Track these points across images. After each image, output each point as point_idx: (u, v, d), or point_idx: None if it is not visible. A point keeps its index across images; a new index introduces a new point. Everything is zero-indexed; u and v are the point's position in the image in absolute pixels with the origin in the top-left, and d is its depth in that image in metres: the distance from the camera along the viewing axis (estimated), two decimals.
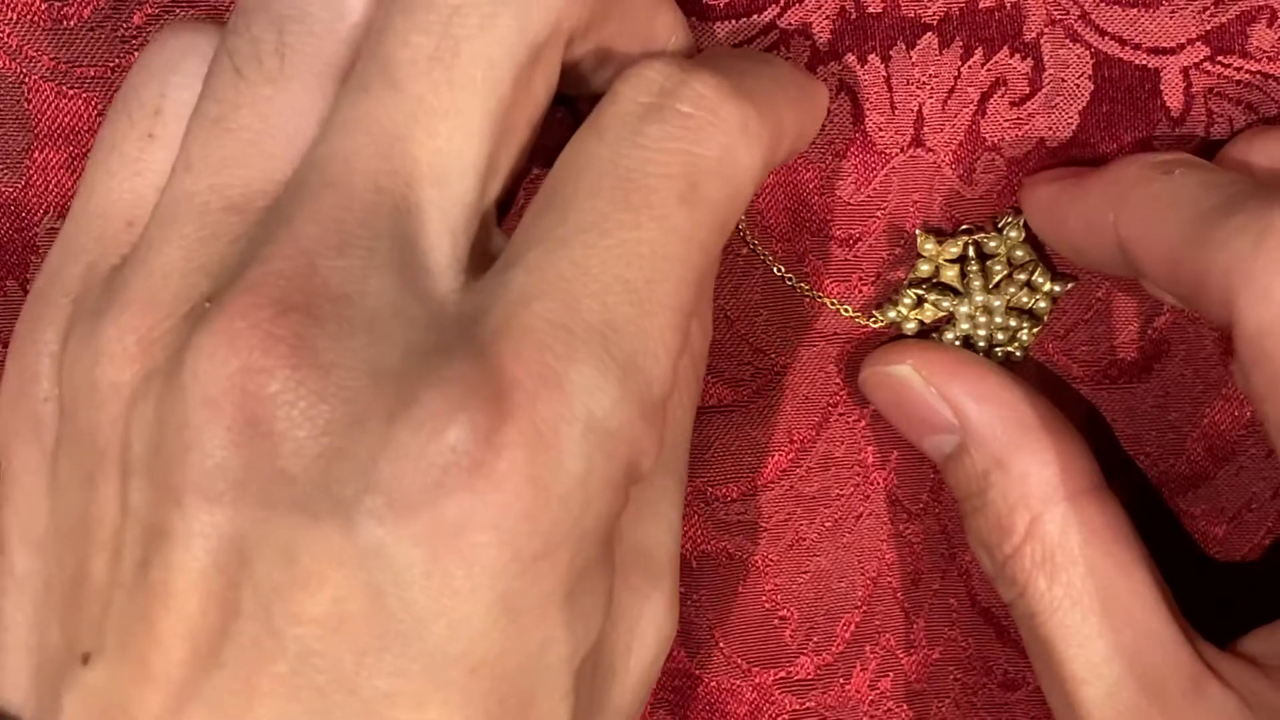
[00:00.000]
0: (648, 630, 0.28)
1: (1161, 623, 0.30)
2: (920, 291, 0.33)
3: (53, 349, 0.27)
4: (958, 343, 0.33)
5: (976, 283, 0.33)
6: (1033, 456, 0.31)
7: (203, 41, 0.28)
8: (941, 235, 0.33)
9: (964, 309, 0.33)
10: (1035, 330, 0.33)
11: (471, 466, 0.23)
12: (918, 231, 0.33)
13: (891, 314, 0.33)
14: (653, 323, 0.25)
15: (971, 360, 0.32)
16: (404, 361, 0.24)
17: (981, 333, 0.33)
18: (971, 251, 0.33)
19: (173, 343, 0.25)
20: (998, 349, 0.33)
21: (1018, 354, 0.33)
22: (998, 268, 0.33)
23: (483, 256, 0.26)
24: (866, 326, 0.34)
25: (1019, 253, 0.33)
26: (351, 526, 0.23)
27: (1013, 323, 0.33)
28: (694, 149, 0.26)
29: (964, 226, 0.33)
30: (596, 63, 0.28)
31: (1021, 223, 0.33)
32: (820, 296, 0.34)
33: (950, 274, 0.33)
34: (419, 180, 0.25)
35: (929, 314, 0.33)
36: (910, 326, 0.33)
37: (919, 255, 0.33)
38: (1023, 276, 0.33)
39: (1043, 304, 0.33)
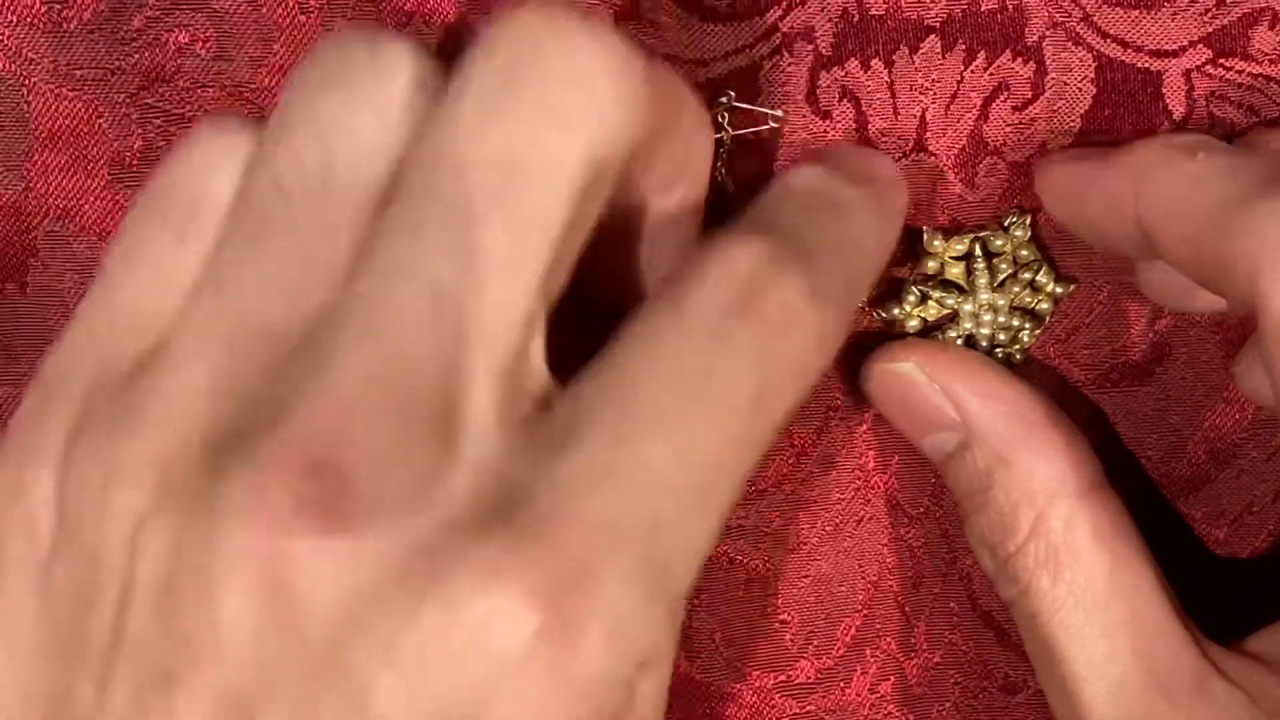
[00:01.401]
0: None
1: (1166, 621, 0.30)
2: (925, 288, 0.33)
3: (60, 449, 0.26)
4: (960, 341, 0.33)
5: (982, 280, 0.33)
6: (1037, 453, 0.31)
7: (242, 144, 0.27)
8: (948, 233, 0.33)
9: (968, 307, 0.33)
10: (1037, 331, 0.33)
11: (495, 653, 0.23)
12: (924, 228, 0.33)
13: (895, 311, 0.33)
14: (695, 524, 0.24)
15: (974, 358, 0.32)
16: (438, 534, 0.23)
17: (985, 331, 0.33)
18: (978, 249, 0.33)
19: (194, 476, 0.24)
20: (999, 349, 0.33)
21: (1018, 355, 0.33)
22: (1003, 266, 0.33)
23: (524, 395, 0.25)
24: (866, 330, 0.34)
25: (1024, 252, 0.33)
26: (366, 700, 0.23)
27: (1015, 322, 0.33)
28: (772, 358, 0.25)
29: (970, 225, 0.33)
30: (639, 177, 0.28)
31: (1027, 222, 0.33)
32: None
33: (955, 271, 0.33)
34: (469, 338, 0.24)
35: (933, 312, 0.33)
36: (913, 324, 0.33)
37: (925, 252, 0.33)
38: (1027, 276, 0.33)
39: (1045, 305, 0.33)
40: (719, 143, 0.33)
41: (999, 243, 0.33)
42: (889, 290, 0.33)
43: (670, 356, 0.24)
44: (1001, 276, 0.33)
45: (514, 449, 0.24)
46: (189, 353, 0.25)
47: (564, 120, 0.24)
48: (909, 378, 0.32)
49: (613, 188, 0.26)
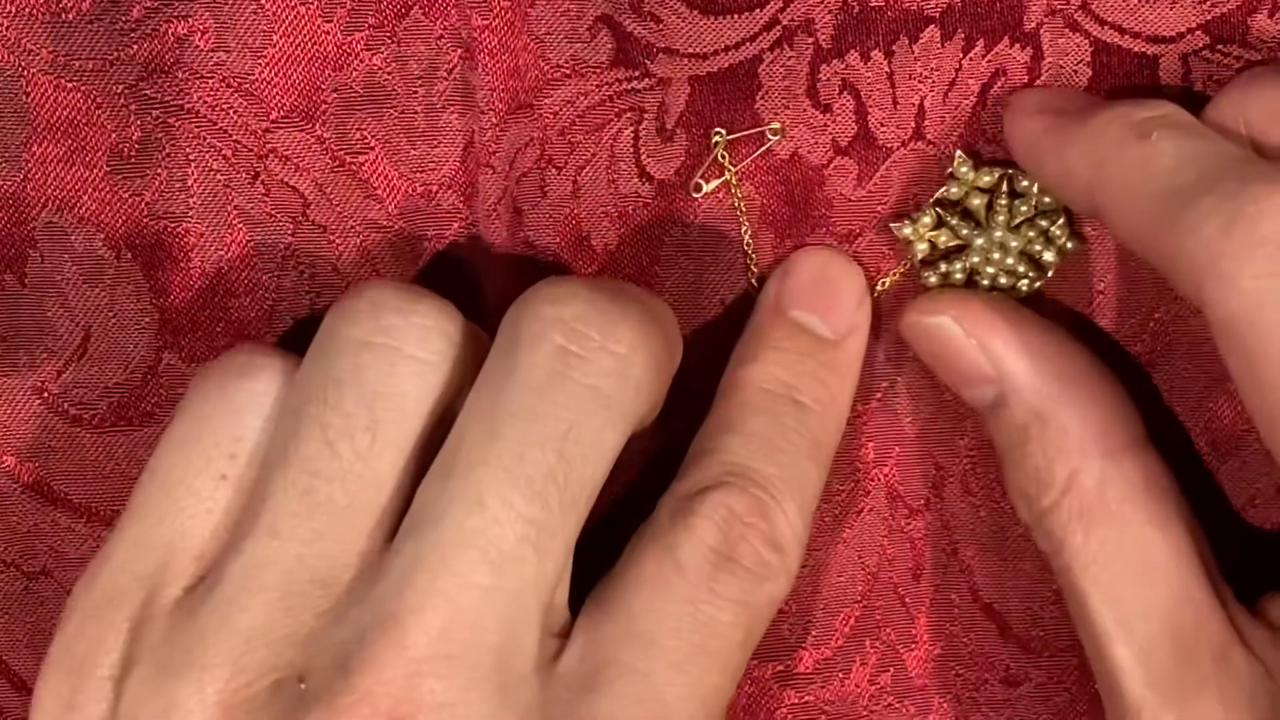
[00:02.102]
0: None
1: (1196, 584, 0.30)
2: (942, 212, 0.33)
3: (113, 677, 0.28)
4: (961, 275, 0.33)
5: (1001, 217, 0.33)
6: (1072, 410, 0.31)
7: (278, 383, 0.30)
8: (978, 162, 0.33)
9: (980, 241, 0.33)
10: (1037, 283, 0.33)
11: None
12: (958, 152, 0.32)
13: (907, 230, 0.33)
14: None
15: (1013, 311, 0.32)
16: None
17: (990, 270, 0.33)
18: (1004, 185, 0.33)
19: (259, 715, 0.27)
20: (995, 292, 0.33)
21: None
22: (1024, 208, 0.33)
23: (552, 635, 0.29)
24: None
25: (1047, 199, 0.32)
26: None
27: (1021, 268, 0.33)
28: (753, 601, 0.29)
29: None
30: None
31: None
32: None
33: (976, 203, 0.33)
34: (525, 598, 0.28)
35: (944, 238, 0.33)
36: (922, 247, 0.33)
37: (952, 177, 0.33)
38: (1044, 223, 0.32)
39: (1051, 256, 0.33)
40: (715, 142, 0.33)
41: (1025, 183, 0.32)
42: (895, 240, 0.33)
43: (674, 604, 0.28)
44: (1020, 218, 0.33)
45: (549, 688, 0.28)
46: (246, 596, 0.28)
47: (608, 406, 0.28)
48: (946, 331, 0.32)
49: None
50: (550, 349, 0.28)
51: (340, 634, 0.27)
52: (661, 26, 0.32)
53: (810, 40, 0.32)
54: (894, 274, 0.33)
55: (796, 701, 0.35)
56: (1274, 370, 0.26)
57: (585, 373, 0.28)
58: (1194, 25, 0.32)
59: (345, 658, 0.27)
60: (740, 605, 0.29)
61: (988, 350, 0.31)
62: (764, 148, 0.33)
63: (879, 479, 0.35)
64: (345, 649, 0.27)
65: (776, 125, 0.33)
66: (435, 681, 0.27)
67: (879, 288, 0.34)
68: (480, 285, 0.33)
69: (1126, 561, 0.30)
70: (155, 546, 0.29)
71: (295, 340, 0.33)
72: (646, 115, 0.33)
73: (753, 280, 0.34)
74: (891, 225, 0.33)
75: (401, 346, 0.29)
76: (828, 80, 0.32)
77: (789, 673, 0.35)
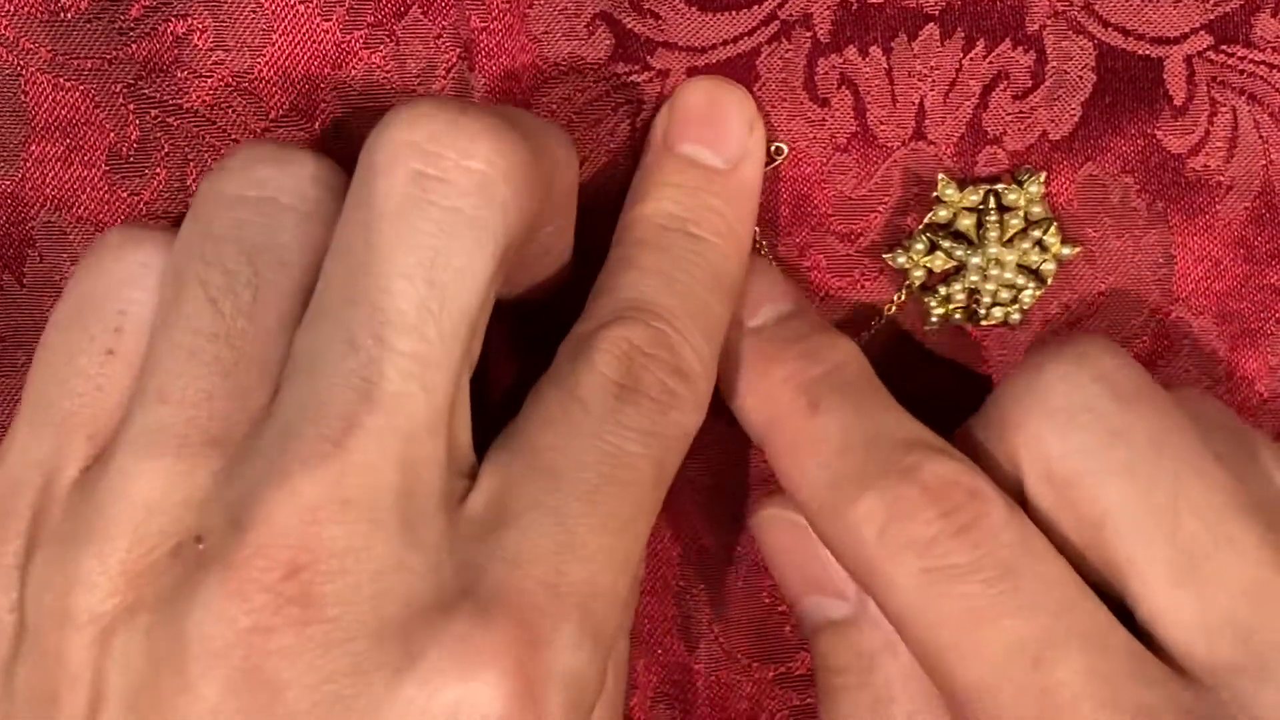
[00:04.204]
0: None
1: None
2: (934, 237, 0.33)
3: (18, 561, 0.28)
4: (963, 295, 0.33)
5: (993, 234, 0.33)
6: None
7: (158, 255, 0.29)
8: (962, 183, 0.33)
9: (976, 260, 0.33)
10: (1038, 293, 0.33)
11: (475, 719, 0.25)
12: (940, 176, 0.32)
13: (902, 259, 0.33)
14: (620, 582, 0.27)
15: None
16: (406, 615, 0.26)
17: (989, 287, 0.33)
18: (991, 202, 0.33)
19: (162, 580, 0.26)
20: (999, 308, 0.33)
21: (1016, 316, 0.33)
22: (1014, 221, 0.33)
23: (457, 475, 0.28)
24: (865, 322, 0.34)
25: (1036, 209, 0.32)
26: None
27: (1019, 280, 0.33)
28: (661, 430, 0.28)
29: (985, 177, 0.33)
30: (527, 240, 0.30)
31: (1042, 178, 0.32)
32: None
33: (966, 223, 0.33)
34: (417, 435, 0.26)
35: (940, 262, 0.33)
36: (918, 274, 0.33)
37: (938, 200, 0.33)
38: (1036, 234, 0.33)
39: (1050, 265, 0.33)
40: None
41: (1012, 197, 0.33)
42: (896, 239, 0.33)
43: (581, 439, 0.28)
44: (1012, 233, 0.33)
45: (457, 528, 0.27)
46: (141, 464, 0.27)
47: (473, 227, 0.27)
48: (807, 532, 0.31)
49: (510, 262, 0.28)
50: (405, 174, 0.27)
51: (233, 492, 0.26)
52: (661, 23, 0.32)
53: (808, 34, 0.32)
54: (894, 302, 0.34)
55: (798, 702, 0.35)
56: (950, 655, 0.27)
57: (444, 195, 0.27)
58: (1197, 25, 0.32)
59: (239, 514, 0.26)
60: (647, 435, 0.28)
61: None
62: (768, 165, 0.33)
63: None
64: (239, 505, 0.26)
65: (782, 146, 0.33)
66: (334, 528, 0.26)
67: (878, 320, 0.34)
68: None
69: None
70: (48, 430, 0.28)
71: None
72: (644, 107, 0.32)
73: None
74: (885, 255, 0.33)
75: (278, 198, 0.28)
76: (825, 75, 0.32)
77: (790, 675, 0.35)
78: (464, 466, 0.28)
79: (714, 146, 0.31)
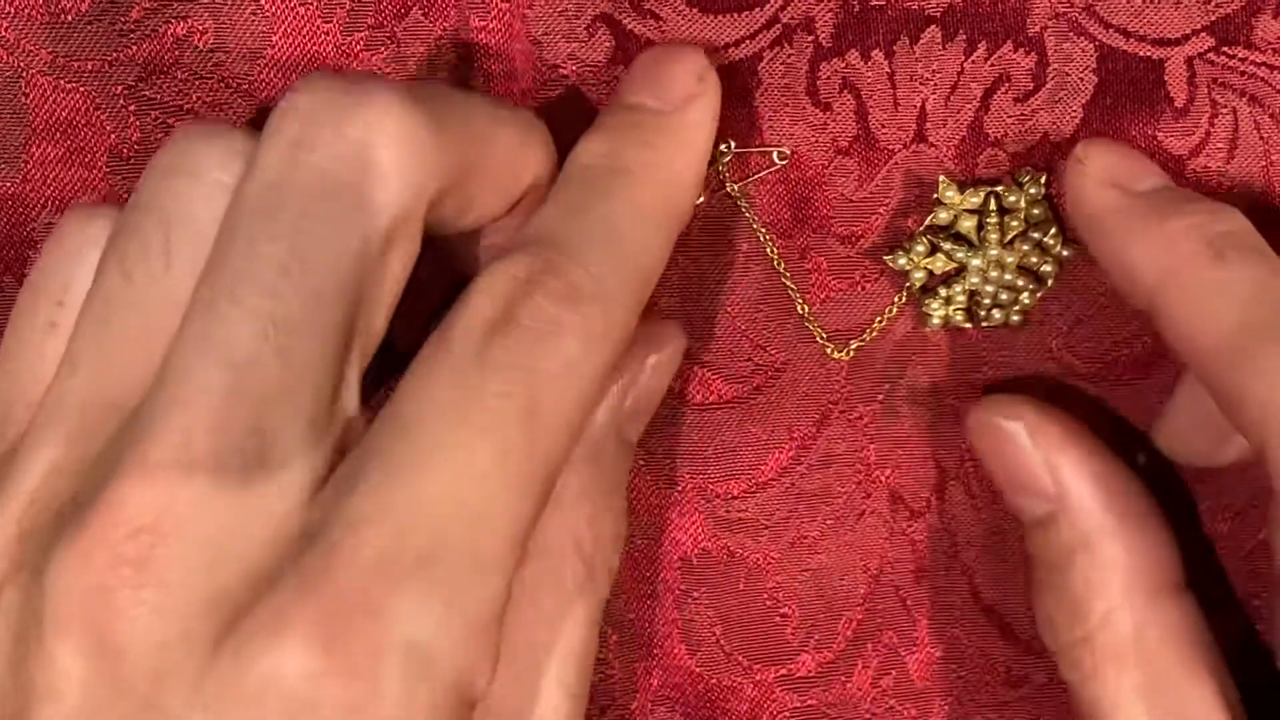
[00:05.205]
0: None
1: None
2: (935, 239, 0.33)
3: None
4: (963, 297, 0.33)
5: (993, 236, 0.33)
6: (1122, 544, 0.31)
7: (103, 231, 0.29)
8: (963, 184, 0.33)
9: (976, 262, 0.33)
10: (1039, 294, 0.33)
11: (289, 694, 0.24)
12: (941, 178, 0.32)
13: (902, 261, 0.33)
14: (485, 541, 0.25)
15: (1083, 434, 0.32)
16: (239, 583, 0.25)
17: (989, 289, 0.33)
18: (992, 204, 0.33)
19: (43, 539, 0.26)
20: (999, 309, 0.33)
21: (1017, 317, 0.33)
22: (1014, 223, 0.33)
23: (331, 440, 0.27)
24: (866, 324, 0.34)
25: (1036, 210, 0.32)
26: None
27: (1020, 282, 0.33)
28: (537, 364, 0.26)
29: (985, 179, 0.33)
30: (459, 211, 0.29)
31: (1042, 180, 0.32)
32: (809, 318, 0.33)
33: (967, 225, 0.33)
34: (272, 401, 0.26)
35: (940, 264, 0.33)
36: (919, 276, 0.33)
37: (938, 202, 0.33)
38: (1037, 235, 0.33)
39: (1050, 267, 0.33)
40: (720, 153, 0.33)
41: (1012, 199, 0.32)
42: (897, 240, 0.33)
43: (437, 384, 0.26)
44: (1012, 234, 0.33)
45: (320, 493, 0.26)
46: (46, 431, 0.27)
47: (342, 193, 0.26)
48: (1014, 437, 0.32)
49: (416, 238, 0.27)
50: (283, 141, 0.27)
51: (112, 453, 0.26)
52: (662, 24, 0.32)
53: (810, 38, 0.32)
54: (895, 304, 0.34)
55: (799, 705, 0.35)
56: None
57: (315, 161, 0.26)
58: (1198, 26, 0.32)
59: (106, 475, 0.26)
60: (515, 370, 0.26)
61: (1052, 467, 0.31)
62: (769, 169, 0.33)
63: (881, 481, 0.35)
64: (105, 469, 0.26)
65: (785, 150, 0.33)
66: (179, 489, 0.25)
67: (879, 321, 0.34)
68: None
69: (1154, 707, 0.30)
70: None
71: None
72: None
73: (784, 279, 0.34)
74: (885, 258, 0.33)
75: (202, 171, 0.28)
76: (828, 79, 0.32)
77: (791, 676, 0.35)
78: (347, 434, 0.27)
79: (656, 95, 0.31)
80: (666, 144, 0.30)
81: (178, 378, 0.26)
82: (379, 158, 0.27)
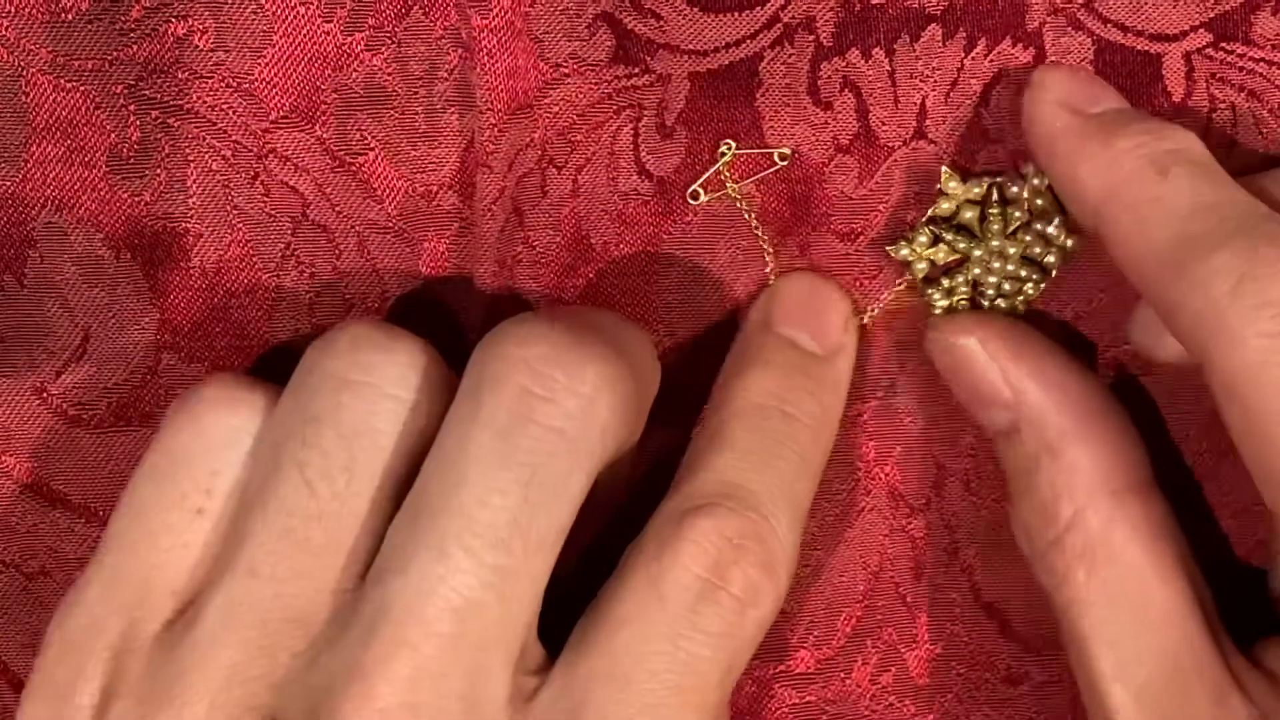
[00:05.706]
0: None
1: (1196, 630, 0.30)
2: (937, 230, 0.33)
3: (93, 702, 0.29)
4: (966, 288, 0.33)
5: (995, 226, 0.32)
6: (1084, 447, 0.31)
7: (254, 419, 0.30)
8: (966, 175, 0.33)
9: (978, 253, 0.33)
10: (1042, 285, 0.33)
11: None
12: (944, 168, 0.32)
13: (904, 252, 0.33)
14: None
15: (1037, 341, 0.32)
16: None
17: (992, 280, 0.33)
18: (994, 195, 0.33)
19: None
20: (1003, 300, 0.33)
21: (1021, 307, 0.33)
22: (1017, 214, 0.32)
23: (526, 675, 0.29)
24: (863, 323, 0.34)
25: (1040, 201, 0.32)
26: None
27: (1023, 273, 0.33)
28: (740, 633, 0.29)
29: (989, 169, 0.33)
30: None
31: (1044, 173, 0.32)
32: None
33: (969, 216, 0.33)
34: (490, 644, 0.28)
35: (942, 254, 0.33)
36: (921, 266, 0.33)
37: (941, 193, 0.33)
38: (1040, 226, 0.32)
39: (1053, 258, 0.33)
40: (720, 153, 0.33)
41: (1015, 190, 0.32)
42: (900, 230, 0.33)
43: (655, 645, 0.28)
44: (1014, 225, 0.33)
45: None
46: (224, 634, 0.28)
47: (573, 449, 0.28)
48: (968, 353, 0.32)
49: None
50: (513, 391, 0.28)
51: (313, 679, 0.28)
52: (662, 24, 0.32)
53: (811, 38, 0.32)
54: (895, 291, 0.33)
55: (798, 701, 0.35)
56: (1275, 427, 0.26)
57: (549, 415, 0.28)
58: (1197, 23, 0.32)
59: (316, 706, 0.27)
60: (721, 638, 0.29)
61: (1008, 376, 0.31)
62: (769, 170, 0.33)
63: (880, 478, 0.35)
64: (316, 696, 0.27)
65: (786, 150, 0.33)
66: None
67: (873, 311, 0.34)
68: (471, 286, 0.33)
69: (1127, 605, 0.30)
70: (132, 579, 0.29)
71: (294, 343, 0.33)
72: (646, 112, 0.32)
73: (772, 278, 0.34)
74: (888, 248, 0.33)
75: (381, 385, 0.29)
76: (829, 78, 0.32)
77: (790, 672, 0.35)
78: (532, 664, 0.29)
79: (814, 333, 0.32)
80: (825, 394, 0.32)
81: (405, 615, 0.27)
82: (603, 415, 0.28)
